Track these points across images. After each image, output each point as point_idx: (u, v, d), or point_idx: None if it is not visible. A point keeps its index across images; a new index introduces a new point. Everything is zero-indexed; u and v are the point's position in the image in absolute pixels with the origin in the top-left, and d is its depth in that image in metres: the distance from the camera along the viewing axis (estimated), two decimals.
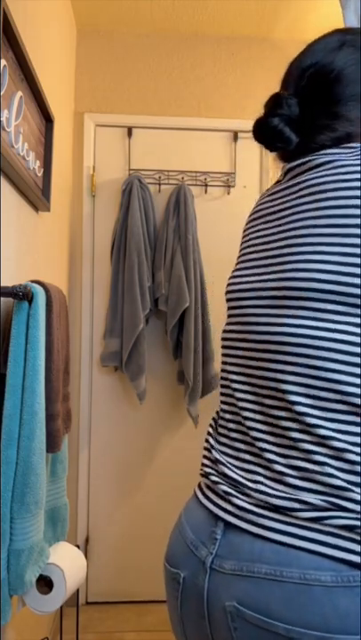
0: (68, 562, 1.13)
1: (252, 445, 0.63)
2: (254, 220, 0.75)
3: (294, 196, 0.66)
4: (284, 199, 0.68)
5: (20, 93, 1.10)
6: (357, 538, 0.52)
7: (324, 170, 0.62)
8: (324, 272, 0.58)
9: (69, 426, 1.22)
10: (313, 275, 0.58)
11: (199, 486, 0.71)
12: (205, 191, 2.11)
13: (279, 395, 0.60)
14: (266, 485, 0.59)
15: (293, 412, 0.58)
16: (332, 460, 0.55)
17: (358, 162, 0.59)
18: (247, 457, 0.64)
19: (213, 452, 0.69)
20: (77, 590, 1.53)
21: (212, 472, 0.67)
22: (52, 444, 1.06)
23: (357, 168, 0.59)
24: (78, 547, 1.27)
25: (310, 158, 0.65)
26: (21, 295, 0.95)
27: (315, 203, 0.61)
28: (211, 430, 0.74)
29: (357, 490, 0.54)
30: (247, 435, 0.64)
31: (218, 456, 0.68)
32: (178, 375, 2.01)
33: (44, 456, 0.99)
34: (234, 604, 0.56)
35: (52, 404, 1.06)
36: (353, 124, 0.65)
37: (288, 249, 0.63)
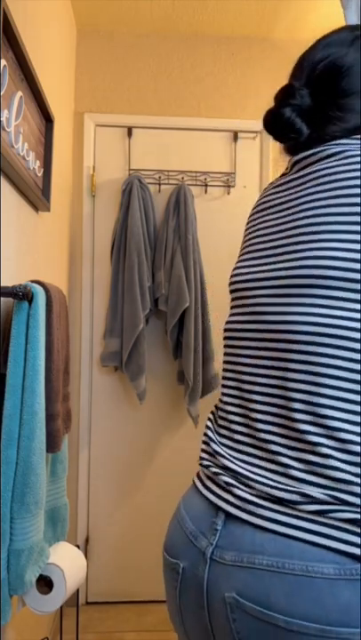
0: (68, 562, 1.13)
1: (256, 438, 0.63)
2: (259, 211, 0.75)
3: (304, 186, 0.66)
4: (292, 190, 0.68)
5: (19, 93, 1.10)
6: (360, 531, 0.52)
7: (335, 160, 0.62)
8: (338, 259, 0.58)
9: (69, 426, 1.22)
10: (326, 262, 0.58)
11: (198, 477, 0.70)
12: (205, 191, 2.11)
13: (291, 384, 0.60)
14: (268, 478, 0.59)
15: (306, 402, 0.58)
16: (338, 453, 0.55)
17: None
18: (250, 449, 0.63)
19: (213, 444, 0.68)
20: (77, 590, 1.53)
21: (212, 464, 0.67)
22: (52, 444, 1.06)
23: None
24: (78, 547, 1.27)
25: (322, 149, 0.65)
26: (21, 295, 0.95)
27: (326, 192, 0.61)
28: (209, 423, 0.73)
29: (359, 481, 0.54)
30: (252, 427, 0.64)
31: (218, 448, 0.67)
32: (178, 375, 2.01)
33: (44, 456, 0.99)
34: (233, 595, 0.56)
35: (52, 404, 1.06)
36: None
37: (298, 237, 0.63)
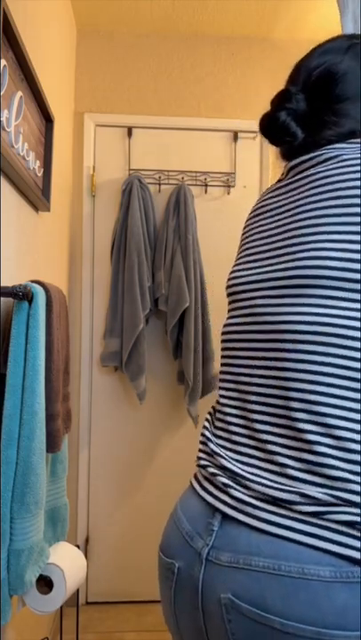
0: (68, 562, 1.13)
1: (255, 438, 0.63)
2: (256, 216, 0.76)
3: (301, 189, 0.67)
4: (288, 194, 0.69)
5: (20, 93, 1.10)
6: (358, 534, 0.52)
7: (330, 164, 0.64)
8: (334, 259, 0.58)
9: (69, 426, 1.22)
10: (322, 262, 0.59)
11: (196, 477, 0.71)
12: (205, 191, 2.11)
13: (289, 384, 0.60)
14: (266, 478, 0.59)
15: (304, 401, 0.58)
16: (335, 451, 0.55)
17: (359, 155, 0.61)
18: (248, 450, 0.63)
19: (210, 444, 0.69)
20: (77, 590, 1.53)
21: (209, 464, 0.67)
22: (52, 444, 1.06)
23: (358, 161, 0.61)
24: (78, 547, 1.27)
25: (318, 154, 0.66)
26: (21, 295, 0.95)
27: (322, 194, 0.62)
28: (207, 424, 0.73)
29: (358, 479, 0.54)
30: (251, 427, 0.64)
31: (215, 448, 0.67)
32: (178, 375, 2.01)
33: (44, 456, 0.99)
34: (229, 597, 0.56)
35: (52, 404, 1.06)
36: (358, 122, 0.67)
37: (294, 239, 0.64)
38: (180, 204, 1.96)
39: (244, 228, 0.78)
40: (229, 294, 0.74)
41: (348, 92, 0.67)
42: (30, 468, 0.94)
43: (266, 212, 0.73)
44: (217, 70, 2.14)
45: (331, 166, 0.63)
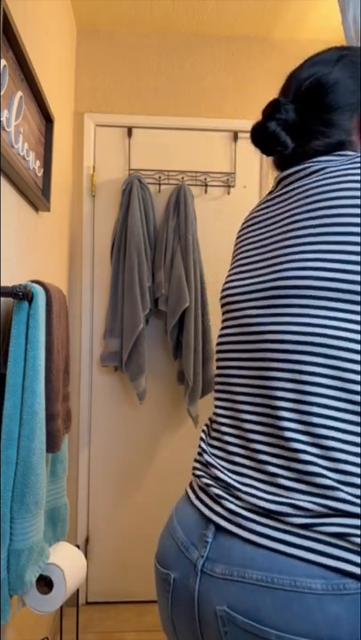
0: (68, 562, 1.13)
1: (249, 449, 0.63)
2: (247, 227, 0.77)
3: (288, 201, 0.68)
4: (277, 206, 0.71)
5: (19, 93, 1.10)
6: (348, 546, 0.52)
7: (316, 176, 0.65)
8: (321, 269, 0.59)
9: (69, 426, 1.22)
10: (310, 272, 0.59)
11: (191, 486, 0.71)
12: (205, 191, 2.11)
13: (277, 393, 0.60)
14: (258, 488, 0.59)
15: (292, 410, 0.58)
16: (321, 460, 0.56)
17: (357, 169, 0.62)
18: (242, 460, 0.64)
19: (205, 455, 0.69)
20: (77, 590, 1.53)
21: (204, 475, 0.68)
22: (52, 444, 1.06)
23: (353, 172, 0.61)
24: (78, 547, 1.27)
25: (305, 166, 0.67)
26: (21, 295, 0.95)
27: (310, 205, 0.63)
28: (203, 435, 0.74)
29: (346, 489, 0.54)
30: (244, 438, 0.64)
31: (210, 459, 0.68)
32: (178, 375, 2.01)
33: (44, 456, 0.99)
34: (225, 609, 0.56)
35: (52, 404, 1.06)
36: (346, 133, 0.69)
37: (282, 250, 0.65)
38: (180, 204, 1.96)
39: (237, 239, 0.80)
40: (223, 305, 0.75)
41: (338, 103, 0.69)
42: (30, 468, 0.94)
43: (256, 223, 0.75)
44: (217, 70, 2.14)
45: (315, 179, 0.65)
